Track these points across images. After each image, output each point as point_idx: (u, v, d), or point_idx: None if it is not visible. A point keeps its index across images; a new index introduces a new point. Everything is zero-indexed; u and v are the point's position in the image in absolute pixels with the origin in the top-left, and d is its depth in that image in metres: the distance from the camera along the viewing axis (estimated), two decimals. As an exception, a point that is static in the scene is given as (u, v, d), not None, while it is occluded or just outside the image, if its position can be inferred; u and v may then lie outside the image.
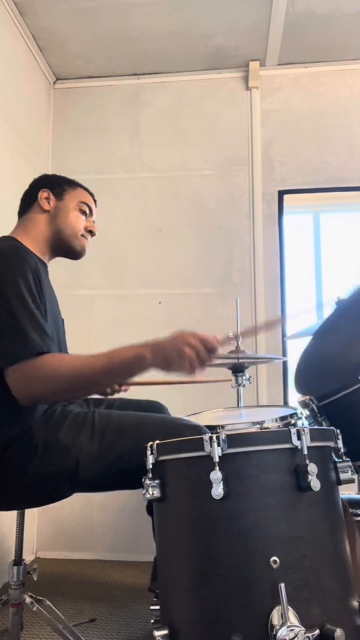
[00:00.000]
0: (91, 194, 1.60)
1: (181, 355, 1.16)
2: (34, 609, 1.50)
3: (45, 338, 1.22)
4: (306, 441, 0.96)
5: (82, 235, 1.54)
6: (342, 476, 1.03)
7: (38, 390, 1.20)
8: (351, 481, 1.04)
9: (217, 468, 0.93)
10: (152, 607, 1.04)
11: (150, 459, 1.05)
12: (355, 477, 1.08)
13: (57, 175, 1.60)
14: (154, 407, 1.67)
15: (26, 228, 1.51)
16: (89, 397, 1.70)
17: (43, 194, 1.51)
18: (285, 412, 1.32)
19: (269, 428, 1.03)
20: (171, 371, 1.19)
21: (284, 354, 2.76)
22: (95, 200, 1.61)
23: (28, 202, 1.55)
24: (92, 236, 1.58)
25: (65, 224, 1.51)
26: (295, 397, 2.15)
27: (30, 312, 1.23)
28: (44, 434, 1.30)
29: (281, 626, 0.84)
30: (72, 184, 1.56)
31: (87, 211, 1.55)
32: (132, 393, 1.74)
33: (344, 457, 1.08)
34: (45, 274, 1.48)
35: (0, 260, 1.30)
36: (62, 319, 1.61)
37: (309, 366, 1.40)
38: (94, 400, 1.69)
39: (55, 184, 1.54)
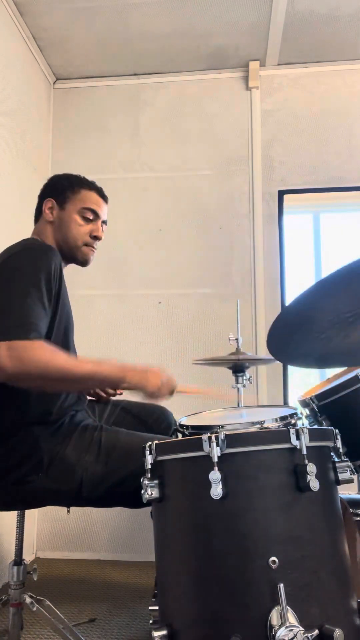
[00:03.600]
0: (99, 190, 1.54)
1: (153, 383, 1.31)
2: (34, 609, 1.50)
3: (43, 332, 1.24)
4: (305, 441, 0.96)
5: (86, 244, 1.50)
6: (341, 476, 1.04)
7: (28, 369, 1.17)
8: (350, 481, 1.04)
9: (216, 468, 0.93)
10: (150, 608, 1.05)
11: (149, 459, 1.05)
12: (354, 477, 1.08)
13: (64, 178, 1.54)
14: (157, 411, 1.68)
15: (39, 236, 1.51)
16: (95, 397, 1.72)
17: (47, 204, 1.49)
18: (285, 412, 1.32)
19: (269, 428, 1.03)
20: (139, 389, 1.31)
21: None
22: (105, 197, 1.56)
23: (38, 209, 1.54)
24: (97, 240, 1.53)
25: (67, 235, 1.48)
26: (295, 397, 2.15)
27: (40, 305, 1.24)
28: (50, 448, 1.30)
29: (280, 626, 0.84)
30: (75, 187, 1.51)
31: (91, 216, 1.50)
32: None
33: (343, 457, 1.08)
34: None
35: (27, 253, 1.32)
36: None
37: (288, 320, 1.32)
38: (99, 406, 1.69)
39: (59, 191, 1.50)
